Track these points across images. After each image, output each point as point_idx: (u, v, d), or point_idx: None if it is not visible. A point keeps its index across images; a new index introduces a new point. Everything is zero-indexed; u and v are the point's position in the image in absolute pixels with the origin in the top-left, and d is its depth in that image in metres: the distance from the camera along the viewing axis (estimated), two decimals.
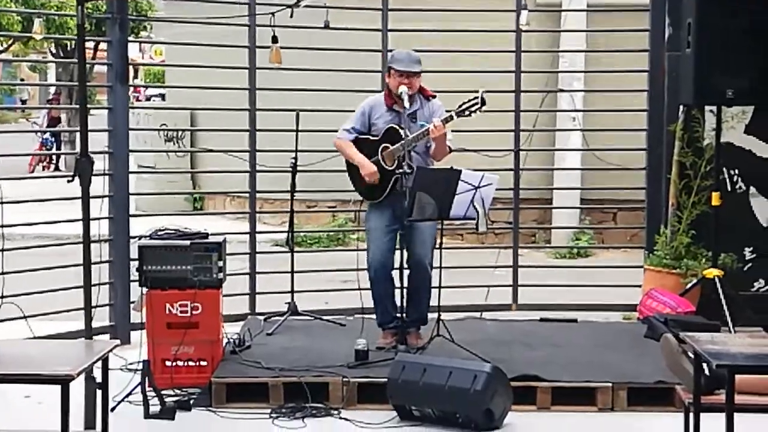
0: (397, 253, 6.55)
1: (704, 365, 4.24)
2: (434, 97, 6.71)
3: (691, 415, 4.44)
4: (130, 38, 7.93)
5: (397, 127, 6.49)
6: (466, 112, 6.42)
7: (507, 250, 8.52)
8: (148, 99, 31.46)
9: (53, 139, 22.89)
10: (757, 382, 4.41)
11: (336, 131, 6.82)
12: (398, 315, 6.56)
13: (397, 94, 6.49)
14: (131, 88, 7.26)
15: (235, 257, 7.52)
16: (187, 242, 6.36)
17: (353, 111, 6.82)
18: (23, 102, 37.58)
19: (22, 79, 39.90)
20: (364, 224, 6.91)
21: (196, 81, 9.95)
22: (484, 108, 6.39)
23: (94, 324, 5.27)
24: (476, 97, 6.41)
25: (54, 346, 4.90)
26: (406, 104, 6.43)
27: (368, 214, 6.76)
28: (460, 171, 6.34)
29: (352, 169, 6.74)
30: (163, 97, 25.80)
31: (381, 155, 6.59)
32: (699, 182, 7.83)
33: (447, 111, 6.54)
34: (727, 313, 6.97)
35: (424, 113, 6.59)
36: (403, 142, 6.41)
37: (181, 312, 6.28)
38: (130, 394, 5.89)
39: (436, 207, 6.32)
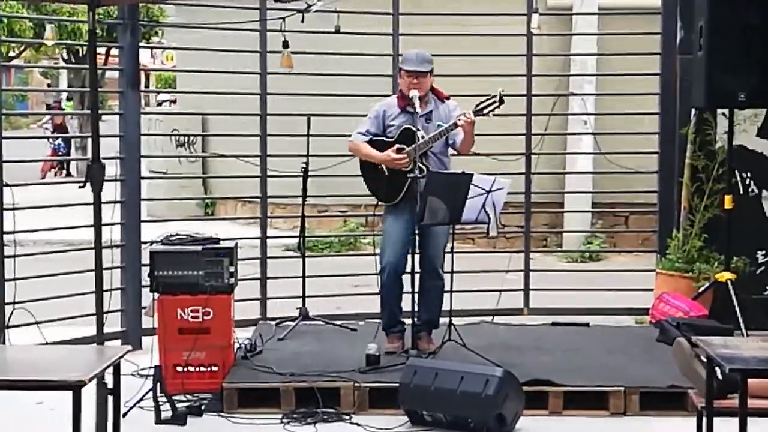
0: (409, 256, 6.55)
1: (717, 369, 4.22)
2: (448, 98, 6.69)
3: (704, 419, 4.41)
4: (141, 44, 7.93)
5: (413, 128, 6.47)
6: (485, 111, 6.39)
7: (518, 254, 8.50)
8: (159, 104, 31.50)
9: (65, 145, 22.97)
10: None
11: (347, 135, 6.80)
12: (403, 320, 6.56)
13: (409, 98, 6.49)
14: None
15: (246, 262, 7.53)
16: (199, 247, 6.37)
17: (364, 115, 6.80)
18: (48, 107, 37.86)
19: (49, 85, 39.95)
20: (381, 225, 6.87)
21: (207, 86, 9.96)
22: (501, 108, 6.36)
23: (106, 329, 5.28)
24: (494, 96, 6.37)
25: (65, 352, 4.91)
26: (418, 108, 6.42)
27: (385, 216, 6.71)
28: (471, 175, 6.33)
29: (366, 173, 6.71)
30: (174, 102, 25.84)
31: None
32: (711, 185, 7.81)
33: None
34: (740, 317, 6.94)
35: (440, 114, 6.58)
36: (419, 143, 6.39)
37: (192, 317, 6.28)
38: (141, 399, 5.89)
39: (448, 211, 6.31)
